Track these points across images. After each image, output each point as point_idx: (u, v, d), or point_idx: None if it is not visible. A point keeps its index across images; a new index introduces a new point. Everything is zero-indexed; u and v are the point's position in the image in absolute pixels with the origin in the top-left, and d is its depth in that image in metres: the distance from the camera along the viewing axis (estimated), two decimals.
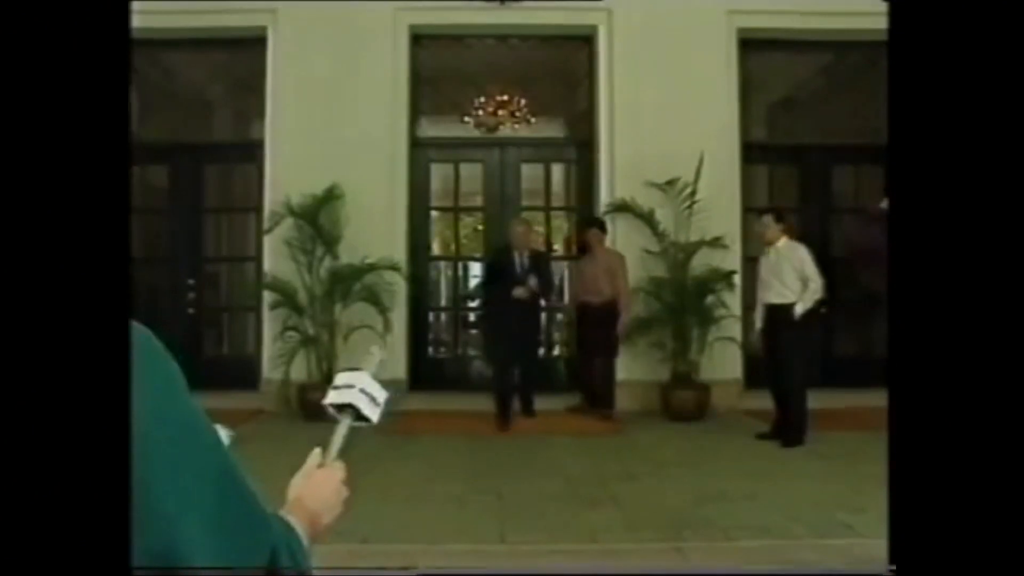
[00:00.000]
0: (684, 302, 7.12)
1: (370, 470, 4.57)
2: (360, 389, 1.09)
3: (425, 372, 7.87)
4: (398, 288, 7.18)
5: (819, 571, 3.47)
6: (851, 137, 7.90)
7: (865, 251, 7.40)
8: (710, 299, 7.18)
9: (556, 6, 7.47)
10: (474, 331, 8.52)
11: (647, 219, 7.24)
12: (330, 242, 7.02)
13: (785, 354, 5.83)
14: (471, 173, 8.21)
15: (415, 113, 7.85)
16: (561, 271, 8.33)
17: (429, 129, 8.10)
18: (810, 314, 5.85)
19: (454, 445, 5.93)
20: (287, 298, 7.04)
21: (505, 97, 8.33)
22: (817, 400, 5.98)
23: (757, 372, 7.12)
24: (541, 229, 8.29)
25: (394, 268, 7.09)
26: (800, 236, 6.26)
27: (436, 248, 8.76)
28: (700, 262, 7.23)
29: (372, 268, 6.99)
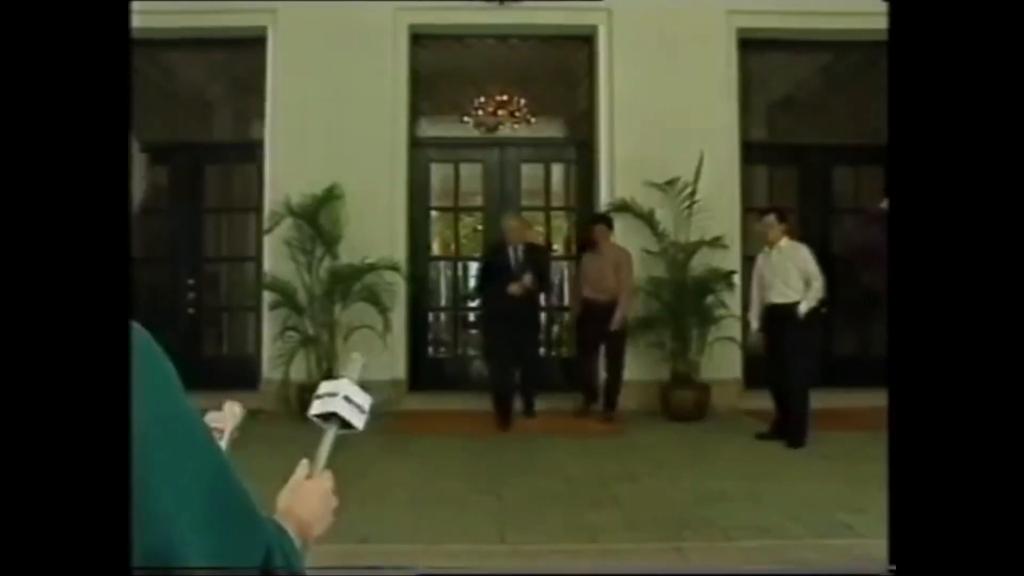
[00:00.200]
0: (684, 302, 7.11)
1: (370, 470, 4.58)
2: (344, 397, 1.07)
3: (425, 372, 7.87)
4: (398, 288, 7.18)
5: (819, 571, 3.47)
6: (851, 137, 7.90)
7: (865, 251, 7.41)
8: (710, 299, 7.18)
9: (556, 6, 7.47)
10: (474, 331, 8.51)
11: (647, 219, 7.24)
12: (330, 242, 7.02)
13: (789, 354, 5.83)
14: (471, 173, 8.20)
15: (415, 113, 7.85)
16: (561, 270, 8.31)
17: (429, 129, 8.10)
18: (812, 314, 5.86)
19: (454, 445, 5.93)
20: (287, 298, 7.04)
21: (505, 97, 8.33)
22: (817, 400, 5.97)
23: (757, 372, 7.12)
24: (541, 229, 8.29)
25: (394, 268, 7.09)
26: (800, 236, 6.26)
27: (436, 248, 8.76)
28: (700, 262, 7.23)
29: (372, 268, 6.99)
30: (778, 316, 5.92)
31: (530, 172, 8.24)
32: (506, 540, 3.86)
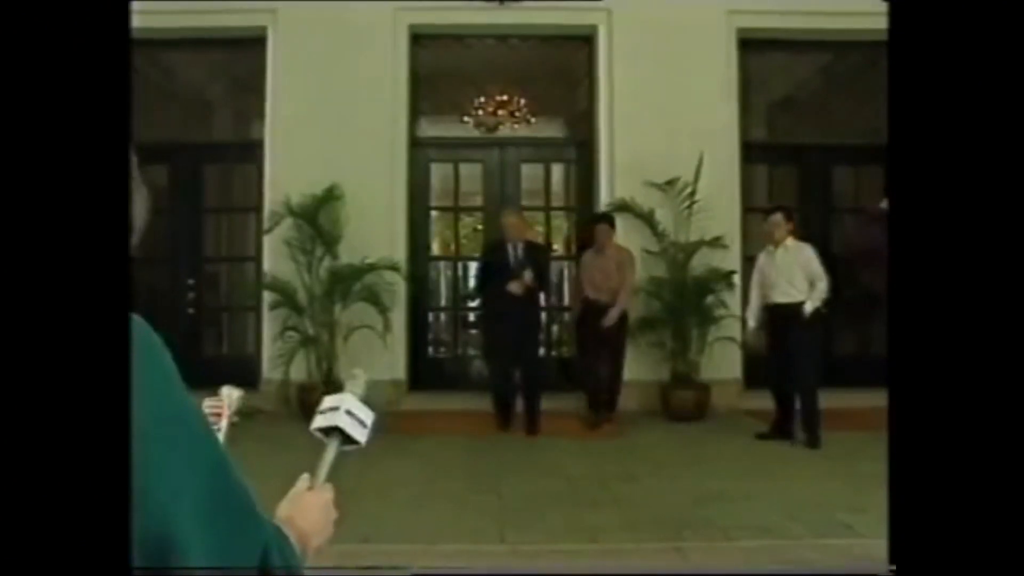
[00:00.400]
0: (684, 302, 7.11)
1: (370, 470, 4.58)
2: (346, 411, 1.08)
3: (425, 372, 7.87)
4: (398, 288, 7.18)
5: (819, 571, 3.47)
6: (851, 137, 7.90)
7: (865, 251, 7.41)
8: (710, 299, 7.18)
9: (556, 6, 7.47)
10: (474, 331, 8.51)
11: (647, 219, 7.24)
12: (330, 242, 7.02)
13: (794, 354, 5.82)
14: (471, 173, 8.20)
15: (415, 113, 7.84)
16: (561, 270, 8.31)
17: (429, 129, 8.10)
18: (815, 314, 5.86)
19: (454, 445, 5.93)
20: (287, 298, 7.04)
21: (505, 97, 8.33)
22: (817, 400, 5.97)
23: (757, 372, 7.12)
24: (541, 229, 8.28)
25: (394, 268, 7.09)
26: (800, 236, 6.26)
27: (436, 248, 8.76)
28: (700, 262, 7.23)
29: (372, 268, 6.99)
30: (781, 316, 5.91)
31: (530, 172, 8.24)
32: (506, 540, 3.86)
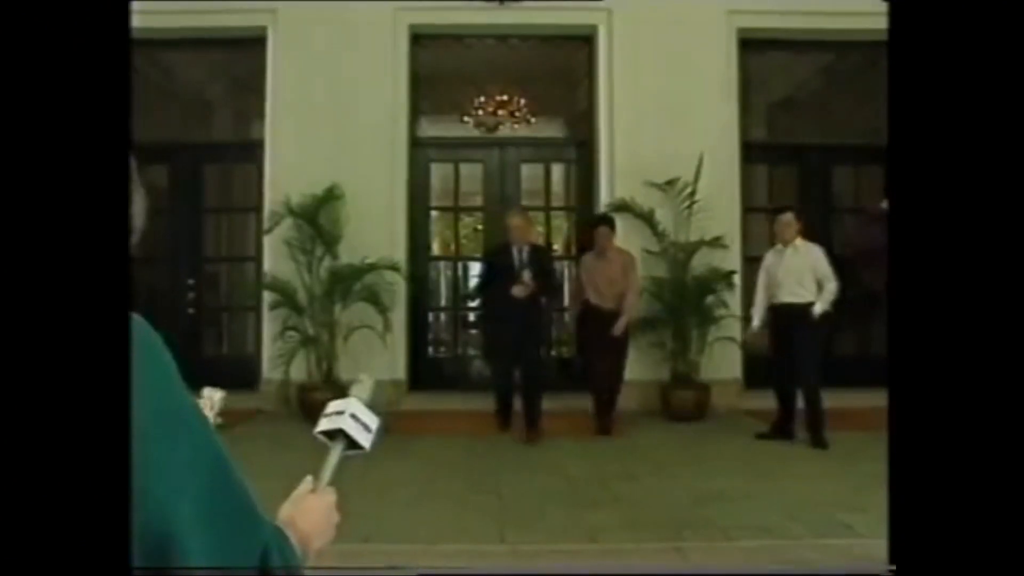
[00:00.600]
0: (684, 302, 7.11)
1: (370, 470, 4.58)
2: (351, 415, 1.08)
3: (425, 372, 7.87)
4: (398, 288, 7.18)
5: (819, 571, 3.47)
6: (851, 137, 7.90)
7: (865, 251, 7.41)
8: (710, 299, 7.18)
9: (556, 6, 7.47)
10: (474, 331, 8.51)
11: (647, 219, 7.24)
12: (330, 242, 7.02)
13: (801, 354, 5.81)
14: (471, 173, 8.21)
15: (415, 113, 7.85)
16: (561, 270, 8.31)
17: (429, 129, 8.10)
18: (824, 314, 5.86)
19: (454, 445, 5.93)
20: (287, 298, 7.04)
21: (505, 97, 8.34)
22: None
23: (757, 372, 7.12)
24: (541, 229, 8.28)
25: (394, 268, 7.09)
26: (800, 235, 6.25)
27: (436, 248, 8.76)
28: (700, 262, 7.23)
29: (372, 268, 6.99)
30: (788, 315, 5.89)
31: (530, 172, 8.25)
32: (506, 540, 3.86)
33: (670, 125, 7.31)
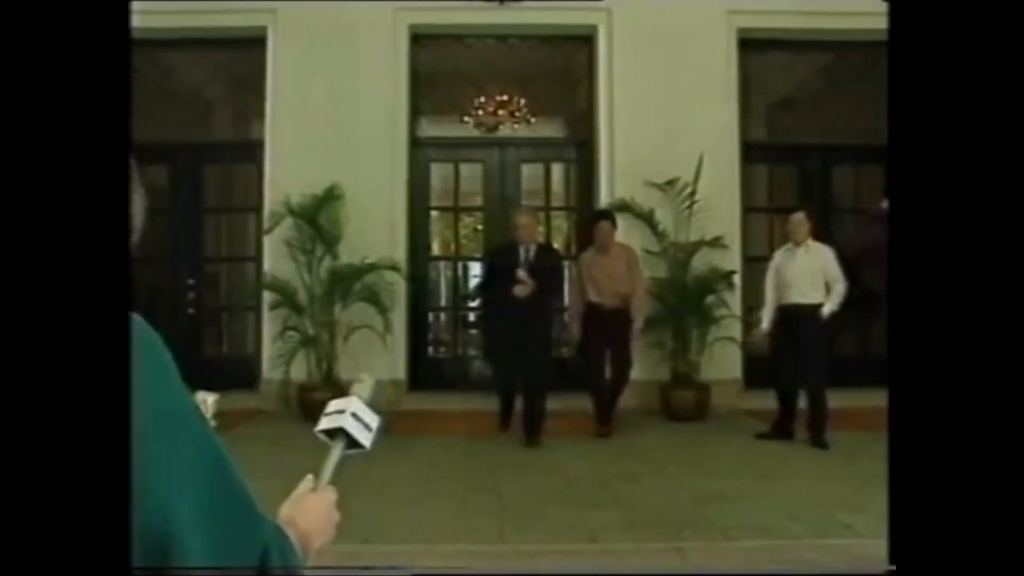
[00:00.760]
0: (684, 302, 7.11)
1: (370, 470, 4.58)
2: (351, 414, 1.08)
3: (425, 372, 7.87)
4: (398, 288, 7.18)
5: (819, 571, 3.47)
6: (851, 137, 7.90)
7: (865, 251, 7.40)
8: (710, 299, 7.18)
9: (556, 6, 7.47)
10: (474, 331, 8.51)
11: (647, 219, 7.24)
12: (330, 242, 7.02)
13: (809, 355, 5.81)
14: (471, 173, 8.21)
15: (415, 113, 7.85)
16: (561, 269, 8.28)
17: (429, 129, 8.10)
18: (832, 316, 5.86)
19: (454, 445, 5.93)
20: (287, 298, 7.04)
21: (505, 97, 8.34)
22: None
23: (757, 372, 7.12)
24: (541, 229, 8.26)
25: (394, 268, 7.09)
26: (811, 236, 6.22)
27: (436, 248, 8.76)
28: (700, 262, 7.23)
29: (372, 268, 6.99)
30: (796, 316, 5.88)
31: (530, 172, 8.25)
32: (506, 540, 3.86)
33: (670, 125, 7.31)
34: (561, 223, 8.72)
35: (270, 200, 7.31)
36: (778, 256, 6.17)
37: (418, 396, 7.42)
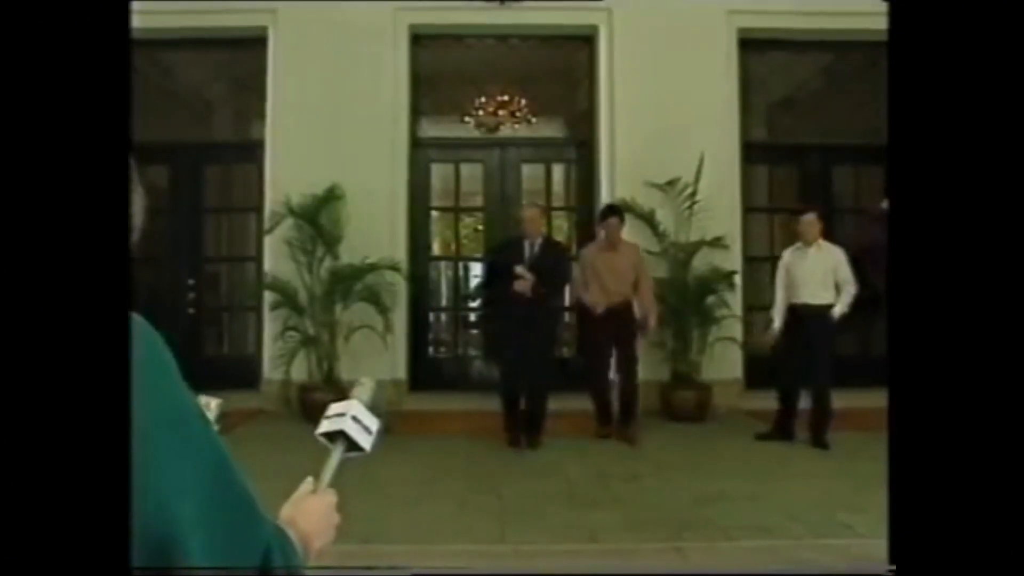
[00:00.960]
0: (685, 302, 7.11)
1: (370, 470, 4.58)
2: (352, 417, 1.09)
3: (425, 372, 7.87)
4: (398, 288, 7.18)
5: (819, 571, 3.47)
6: (851, 137, 7.90)
7: (866, 251, 7.40)
8: (711, 299, 7.17)
9: (556, 6, 7.47)
10: (474, 331, 8.50)
11: (647, 219, 7.23)
12: (330, 242, 7.02)
13: (818, 355, 5.82)
14: (471, 173, 8.21)
15: (415, 113, 7.85)
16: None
17: (429, 129, 8.10)
18: (841, 317, 5.88)
19: (454, 445, 5.93)
20: (287, 298, 7.04)
21: (505, 97, 8.33)
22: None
23: (758, 372, 7.12)
24: (543, 230, 8.24)
25: (394, 268, 7.09)
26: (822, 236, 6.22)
27: (436, 248, 8.77)
28: (701, 262, 7.23)
29: (372, 268, 6.98)
30: (805, 316, 5.87)
31: (531, 172, 8.24)
32: (506, 540, 3.86)
33: (671, 125, 7.31)
34: (562, 223, 8.72)
35: (271, 200, 7.31)
36: (787, 255, 6.14)
37: (418, 396, 7.42)
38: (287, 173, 7.25)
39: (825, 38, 7.80)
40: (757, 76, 8.03)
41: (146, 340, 0.76)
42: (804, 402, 5.98)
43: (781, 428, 6.02)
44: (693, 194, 7.13)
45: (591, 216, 7.68)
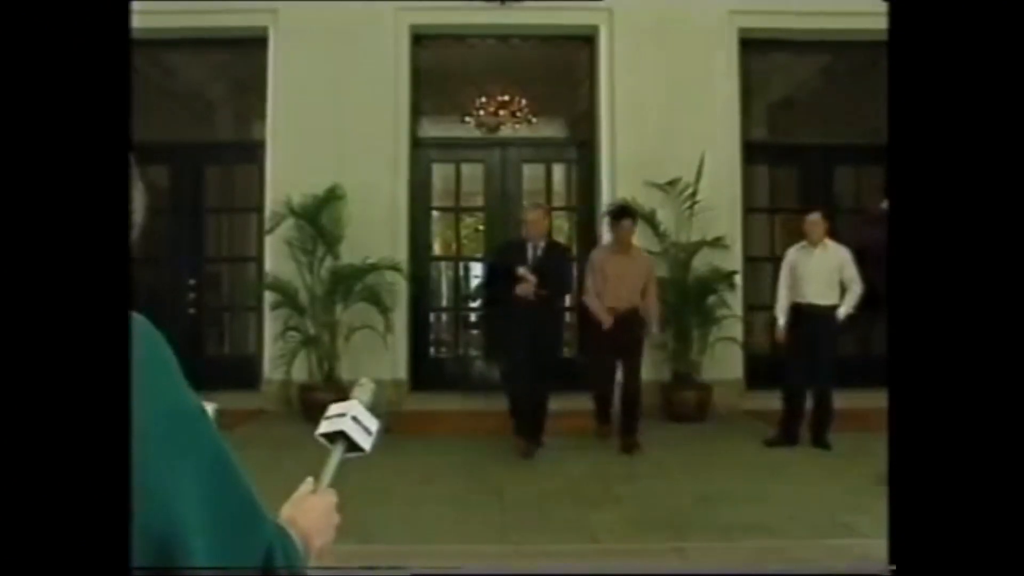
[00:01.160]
0: (685, 302, 7.10)
1: (371, 470, 4.58)
2: (352, 417, 1.09)
3: (426, 372, 7.87)
4: (399, 288, 7.18)
5: (819, 571, 3.47)
6: (851, 137, 7.89)
7: (866, 251, 7.40)
8: (711, 299, 7.17)
9: (557, 6, 7.47)
10: (475, 331, 8.50)
11: (648, 219, 7.22)
12: (331, 242, 7.02)
13: (823, 355, 5.82)
14: (472, 173, 8.20)
15: (416, 113, 7.85)
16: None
17: (430, 129, 8.10)
18: (847, 317, 5.88)
19: (455, 445, 5.93)
20: (288, 298, 7.04)
21: (506, 97, 8.33)
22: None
23: (758, 372, 7.12)
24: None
25: (395, 268, 7.09)
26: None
27: (437, 248, 8.76)
28: (701, 262, 7.22)
29: (373, 268, 6.98)
30: (810, 316, 5.86)
31: (531, 172, 8.24)
32: (507, 540, 3.87)
33: (671, 125, 7.31)
34: (562, 223, 8.72)
35: (271, 200, 7.31)
36: (792, 253, 6.11)
37: (419, 396, 7.42)
38: (288, 173, 7.25)
39: (825, 38, 7.80)
40: (758, 76, 8.03)
41: (147, 339, 0.76)
42: (806, 402, 5.97)
43: (788, 432, 5.95)
44: (694, 194, 7.13)
45: (592, 216, 7.70)
